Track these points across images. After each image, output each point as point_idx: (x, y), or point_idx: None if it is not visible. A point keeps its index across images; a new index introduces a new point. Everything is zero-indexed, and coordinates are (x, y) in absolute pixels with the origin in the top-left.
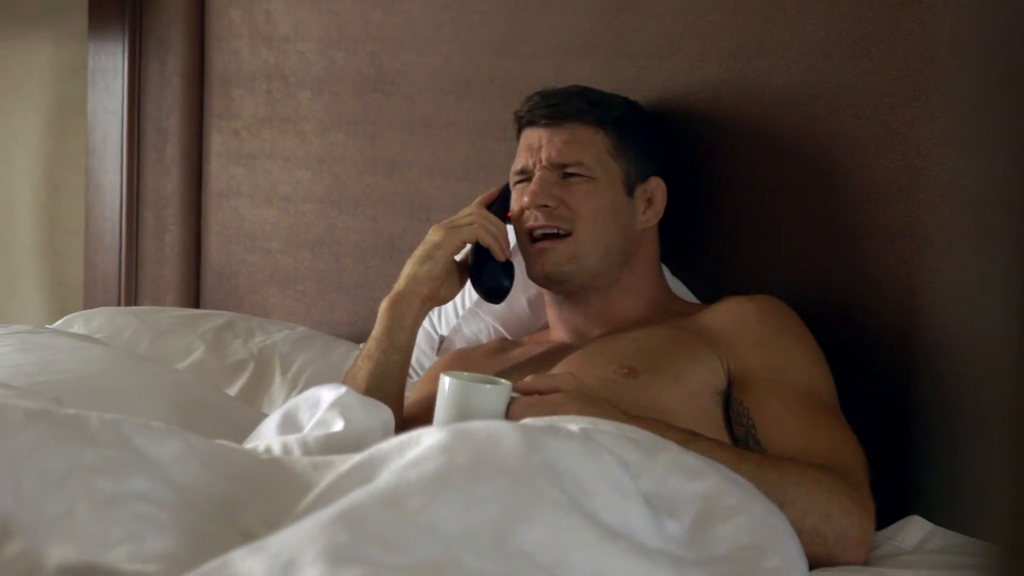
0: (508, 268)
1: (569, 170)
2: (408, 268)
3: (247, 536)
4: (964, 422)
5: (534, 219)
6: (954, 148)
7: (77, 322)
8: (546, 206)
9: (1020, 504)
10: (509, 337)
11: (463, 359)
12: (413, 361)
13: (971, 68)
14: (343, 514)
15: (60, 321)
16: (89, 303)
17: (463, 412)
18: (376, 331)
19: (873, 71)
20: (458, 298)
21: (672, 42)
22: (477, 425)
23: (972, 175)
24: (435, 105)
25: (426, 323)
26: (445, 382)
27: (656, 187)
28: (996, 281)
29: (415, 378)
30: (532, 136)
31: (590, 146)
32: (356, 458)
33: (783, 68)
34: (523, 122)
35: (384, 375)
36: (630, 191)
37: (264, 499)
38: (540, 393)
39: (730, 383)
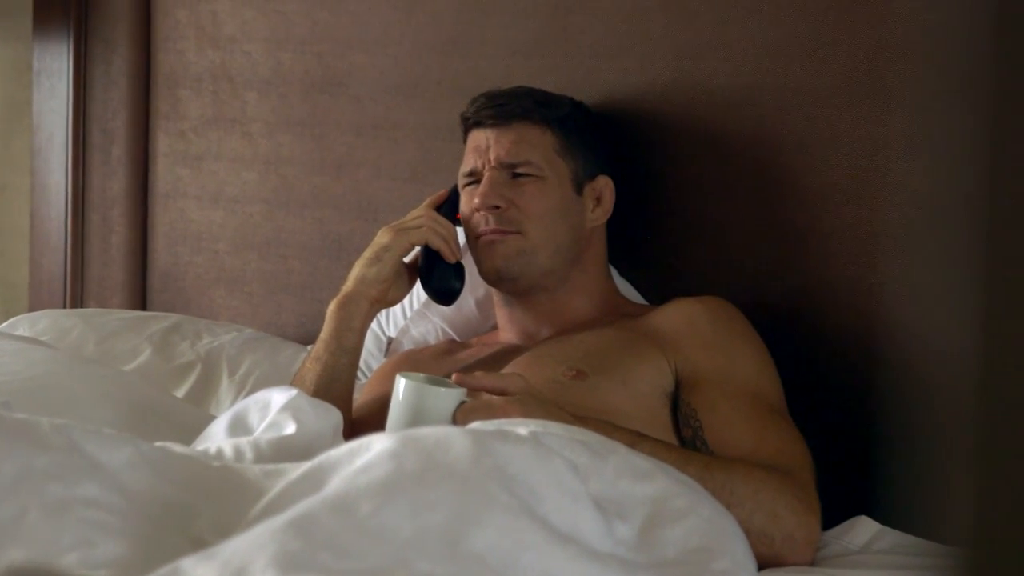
0: (459, 270)
1: (518, 170)
2: (356, 270)
3: (198, 543)
4: (912, 423)
5: (485, 222)
6: (915, 148)
7: (22, 324)
8: (496, 207)
9: (983, 505)
10: (457, 339)
11: (411, 361)
12: (361, 363)
13: (933, 67)
14: (294, 521)
15: (5, 324)
16: (34, 305)
17: (417, 413)
18: (324, 333)
19: (820, 72)
20: (406, 300)
21: (620, 43)
22: (426, 431)
23: (932, 175)
24: (383, 106)
25: (374, 325)
26: (400, 383)
27: (604, 185)
28: (953, 281)
29: (363, 380)
30: (479, 137)
31: (538, 145)
32: (306, 465)
33: (731, 69)
34: (470, 123)
35: (333, 377)
36: (578, 189)
37: (215, 506)
38: (488, 391)
39: (678, 384)
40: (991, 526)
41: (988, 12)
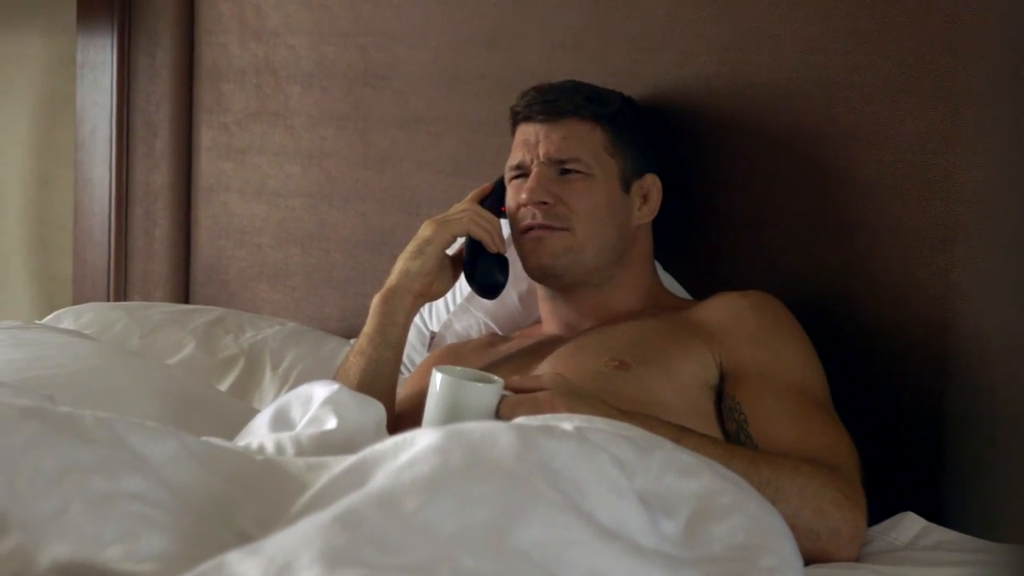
0: (502, 263)
1: (567, 166)
2: (400, 264)
3: (242, 537)
4: (959, 418)
5: (531, 216)
6: (961, 142)
7: (66, 318)
8: (544, 203)
9: None
10: (500, 332)
11: (453, 354)
12: (404, 357)
13: (998, 64)
14: (339, 516)
15: (49, 317)
16: (78, 298)
17: (454, 409)
18: (368, 327)
19: (865, 66)
20: (448, 294)
21: (663, 36)
22: (471, 426)
23: (992, 170)
24: (425, 99)
25: (417, 319)
26: (437, 378)
27: (652, 184)
28: (1000, 276)
29: (406, 374)
30: (528, 132)
31: (587, 142)
32: (350, 459)
33: (775, 63)
34: (519, 117)
35: (376, 371)
36: (626, 187)
37: (259, 500)
38: (530, 389)
39: (722, 378)
40: None
41: None
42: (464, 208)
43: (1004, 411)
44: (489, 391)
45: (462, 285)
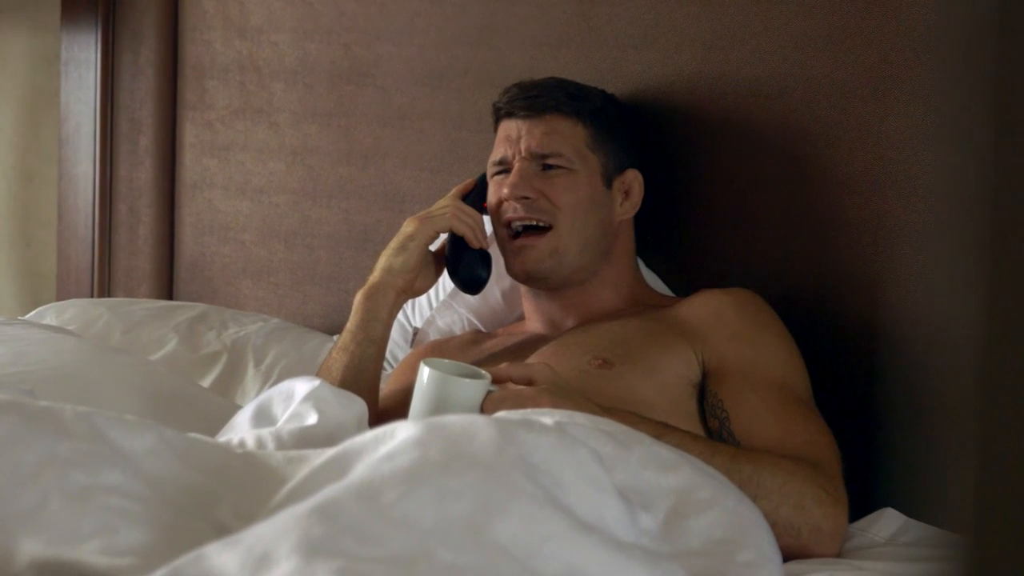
0: (485, 259)
1: (548, 161)
2: (383, 260)
3: (221, 530)
4: (932, 413)
5: (513, 211)
6: (929, 141)
7: (49, 314)
8: (526, 198)
9: (984, 494)
10: (483, 329)
11: (437, 351)
12: (387, 353)
13: (948, 60)
14: (318, 507)
15: (32, 313)
16: (62, 294)
17: (441, 404)
18: (351, 323)
19: (846, 63)
20: (432, 290)
21: (646, 33)
22: (451, 419)
23: (943, 167)
24: (409, 96)
25: (400, 315)
26: (424, 372)
27: (633, 179)
28: (964, 273)
29: (389, 370)
30: (511, 127)
31: (569, 138)
32: (330, 452)
33: (757, 60)
34: (501, 113)
35: (359, 367)
36: (608, 183)
37: (238, 493)
38: (514, 381)
39: (704, 375)
40: (991, 514)
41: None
42: (447, 204)
43: (954, 403)
44: (476, 387)
45: (445, 281)
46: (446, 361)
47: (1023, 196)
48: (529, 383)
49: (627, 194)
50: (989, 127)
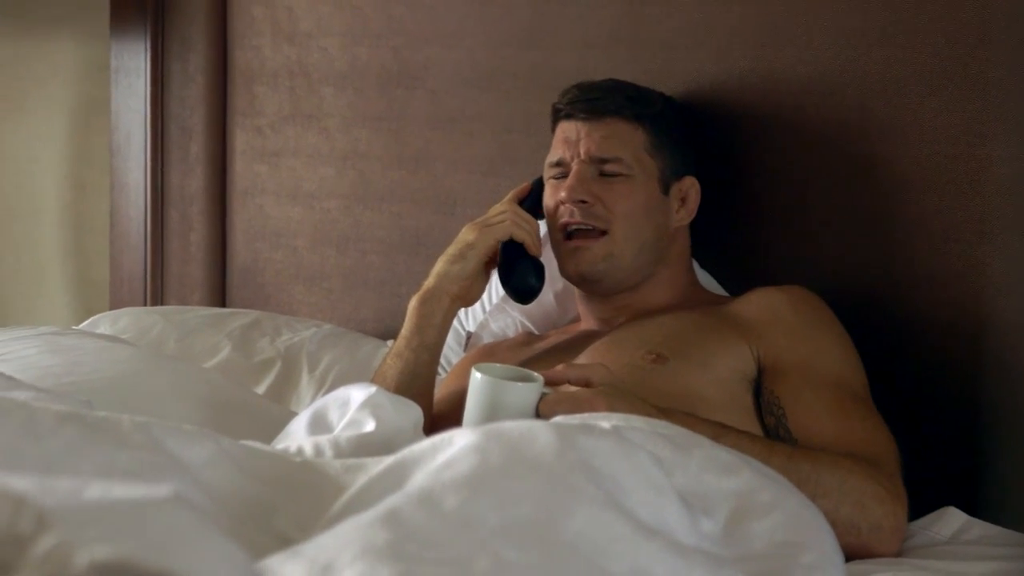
0: (538, 268)
1: (607, 166)
2: (439, 266)
3: (280, 539)
4: (998, 412)
5: (570, 215)
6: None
7: (103, 323)
8: (583, 202)
9: None
10: (535, 331)
11: (490, 354)
12: (440, 358)
13: None
14: (380, 517)
15: (86, 322)
16: (115, 303)
17: (493, 408)
18: (405, 329)
19: (901, 59)
20: (485, 295)
21: (697, 33)
22: (509, 424)
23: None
24: (459, 99)
25: (454, 320)
26: (476, 378)
27: (690, 186)
28: None
29: (443, 375)
30: (570, 129)
31: (628, 142)
32: (388, 460)
33: (810, 58)
34: (560, 114)
35: (414, 373)
36: (665, 189)
37: (297, 502)
38: (571, 383)
39: (760, 372)
40: None
41: None
42: (504, 211)
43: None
44: (528, 390)
45: (498, 286)
46: (498, 366)
47: None
48: (586, 384)
49: (684, 201)
50: None
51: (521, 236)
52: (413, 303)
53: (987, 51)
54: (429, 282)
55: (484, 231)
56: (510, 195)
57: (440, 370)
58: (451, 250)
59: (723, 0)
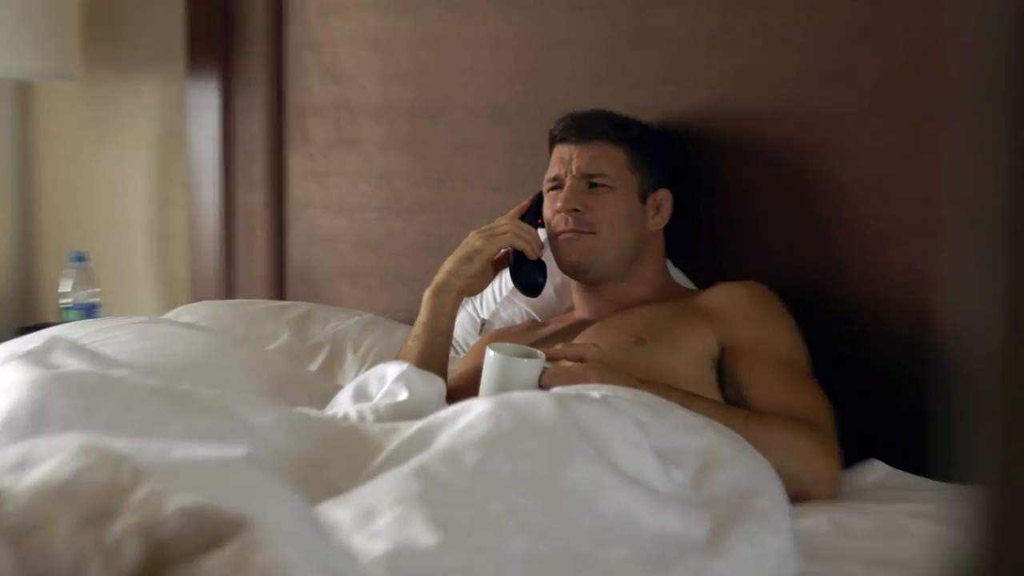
0: (541, 267)
1: (595, 180)
2: (449, 264)
3: (331, 489)
4: (917, 382)
5: (565, 223)
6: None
7: (185, 314)
8: (576, 210)
9: (1009, 455)
10: (538, 319)
11: (499, 338)
12: (460, 339)
13: (968, 76)
14: (412, 470)
15: (171, 312)
16: (194, 297)
17: (505, 380)
18: (422, 316)
19: (839, 93)
20: (497, 288)
21: (671, 73)
22: (517, 395)
23: (963, 178)
24: (474, 129)
25: (470, 308)
26: (490, 356)
27: (664, 197)
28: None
29: (460, 354)
30: (564, 151)
31: (613, 161)
32: (417, 425)
33: (764, 92)
34: (556, 139)
35: (431, 353)
36: (643, 199)
37: (344, 459)
38: (568, 359)
39: (722, 351)
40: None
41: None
42: (506, 224)
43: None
44: (532, 365)
45: (507, 280)
46: (508, 344)
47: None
48: (580, 360)
49: (658, 209)
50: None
51: (520, 245)
52: (427, 295)
53: (920, 82)
54: (440, 277)
55: (489, 239)
56: (513, 211)
57: (459, 349)
58: (459, 252)
59: (693, 44)
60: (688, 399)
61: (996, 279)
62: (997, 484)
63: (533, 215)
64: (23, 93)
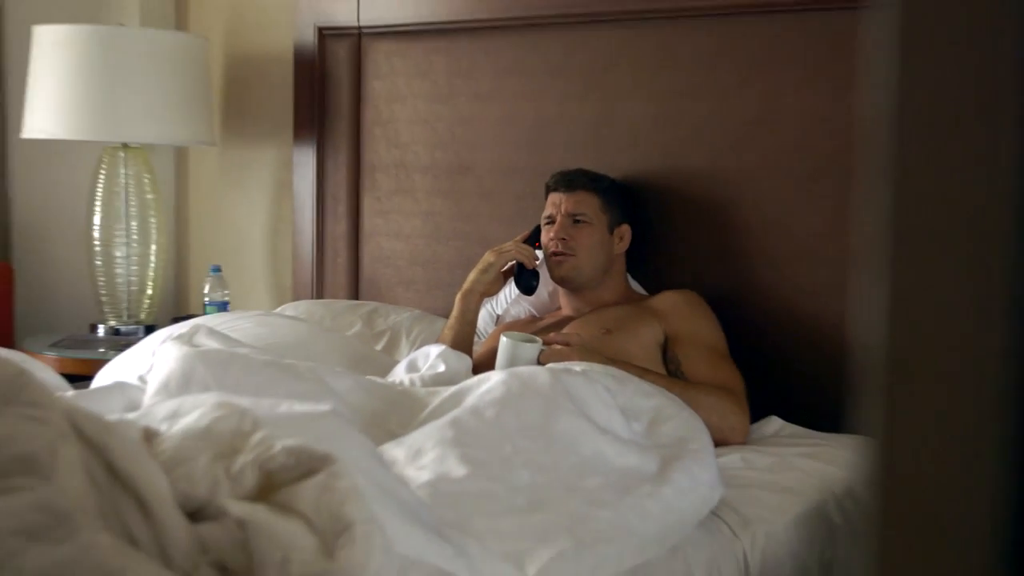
0: (536, 276)
1: (577, 218)
2: (473, 275)
3: (391, 435)
4: (802, 357)
5: (555, 247)
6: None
7: (288, 309)
8: (563, 239)
9: (891, 411)
10: (537, 314)
11: (509, 328)
12: (481, 329)
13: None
14: (448, 422)
15: (278, 308)
16: (295, 297)
17: (513, 358)
18: (455, 312)
19: (757, 157)
20: (507, 293)
21: (632, 141)
22: (523, 369)
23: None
24: (493, 182)
25: (489, 307)
26: (503, 341)
27: (626, 231)
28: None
29: (481, 339)
30: (555, 197)
31: (590, 204)
32: (452, 389)
33: (701, 155)
34: (550, 188)
35: (461, 339)
36: (611, 231)
37: (400, 413)
38: (559, 344)
39: (666, 340)
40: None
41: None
42: (511, 245)
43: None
44: (533, 348)
45: (514, 287)
46: (516, 332)
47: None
48: (567, 344)
49: (622, 238)
50: (888, 191)
51: (520, 258)
52: (458, 297)
53: (801, 152)
54: (467, 284)
55: (499, 255)
56: (517, 237)
57: (480, 337)
58: (480, 265)
59: (648, 121)
60: (643, 373)
61: (882, 292)
62: (880, 436)
63: (532, 240)
64: (180, 155)
